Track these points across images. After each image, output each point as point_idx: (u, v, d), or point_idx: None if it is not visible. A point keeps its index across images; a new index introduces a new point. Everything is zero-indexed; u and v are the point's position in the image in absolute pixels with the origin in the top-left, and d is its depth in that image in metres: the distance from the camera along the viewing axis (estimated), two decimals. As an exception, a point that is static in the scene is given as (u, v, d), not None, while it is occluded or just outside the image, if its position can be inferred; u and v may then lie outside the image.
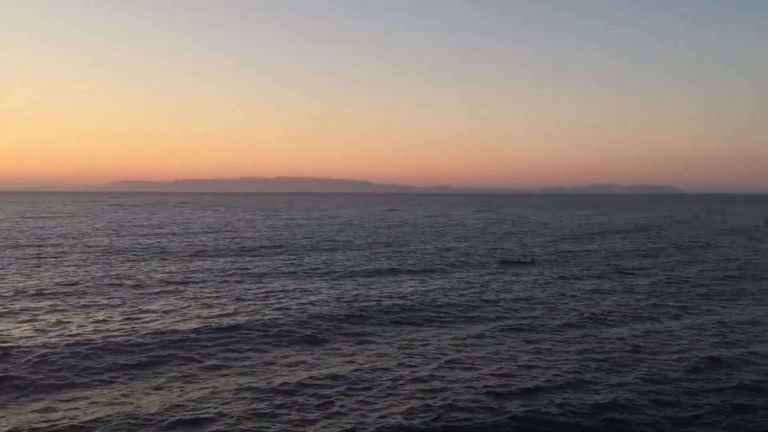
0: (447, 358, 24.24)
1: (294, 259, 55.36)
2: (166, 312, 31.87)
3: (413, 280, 44.26)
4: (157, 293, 37.46)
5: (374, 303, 34.82)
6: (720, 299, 37.41)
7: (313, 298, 36.33)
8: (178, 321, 29.69)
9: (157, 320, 29.83)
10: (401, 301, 35.37)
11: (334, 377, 21.69)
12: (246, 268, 48.82)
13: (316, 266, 50.61)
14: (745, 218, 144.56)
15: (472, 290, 39.82)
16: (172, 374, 21.99)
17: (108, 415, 18.02)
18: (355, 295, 37.15)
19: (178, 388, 20.52)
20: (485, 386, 20.83)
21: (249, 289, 38.98)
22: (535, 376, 21.96)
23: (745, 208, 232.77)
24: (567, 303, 35.85)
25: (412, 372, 22.31)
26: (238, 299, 35.63)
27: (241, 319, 30.20)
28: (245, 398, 19.53)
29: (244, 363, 23.44)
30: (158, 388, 20.47)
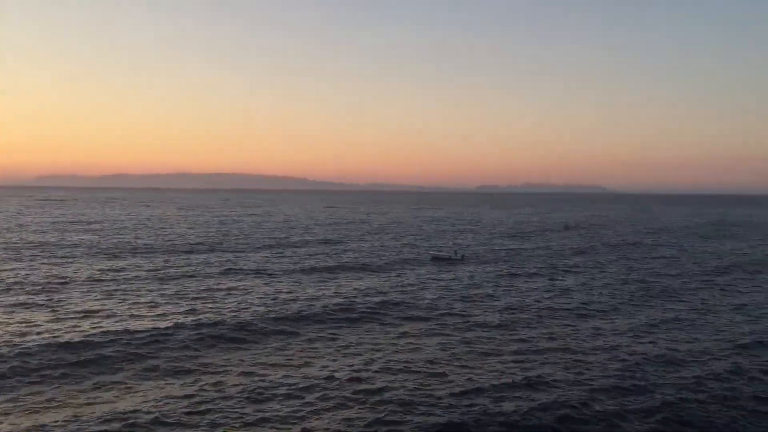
0: (384, 358, 24.11)
1: (229, 257, 54.30)
2: (95, 312, 30.70)
3: (350, 278, 44.13)
4: (85, 292, 36.02)
5: (311, 302, 34.41)
6: (649, 297, 38.39)
7: (249, 297, 35.70)
8: (109, 322, 28.61)
9: (85, 321, 28.70)
10: (338, 300, 35.08)
11: (269, 379, 21.31)
12: (179, 266, 47.61)
13: (253, 264, 49.79)
14: (672, 217, 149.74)
15: (406, 288, 39.94)
16: (100, 379, 21.11)
17: (26, 425, 17.23)
18: (292, 294, 36.65)
19: (108, 393, 19.74)
20: (422, 386, 20.87)
21: (182, 288, 37.98)
22: (471, 377, 22.11)
23: (673, 207, 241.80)
24: (499, 300, 36.28)
25: (350, 372, 22.12)
26: (170, 298, 34.70)
27: (174, 319, 29.36)
28: (177, 402, 18.96)
29: (177, 364, 22.77)
30: (86, 393, 19.66)
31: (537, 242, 76.17)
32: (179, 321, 28.98)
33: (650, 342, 27.29)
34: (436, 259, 56.51)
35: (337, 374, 21.95)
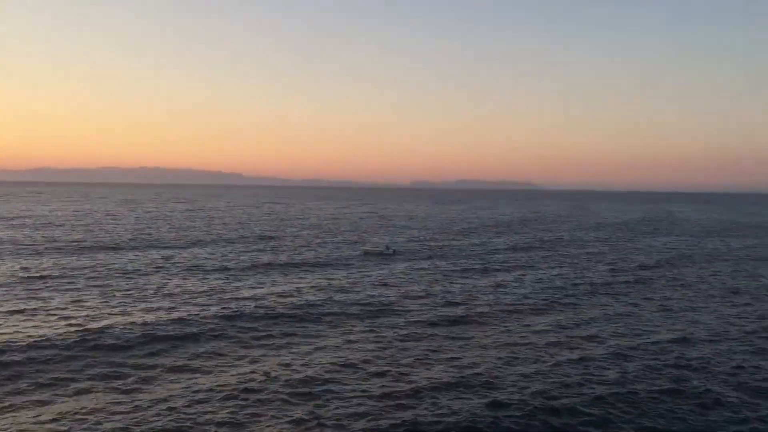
0: (321, 357, 23.85)
1: (161, 254, 52.89)
2: (18, 313, 29.34)
3: (285, 274, 43.55)
4: (7, 293, 34.36)
5: (245, 300, 33.81)
6: (586, 295, 38.76)
7: (181, 296, 34.78)
8: (34, 325, 27.37)
9: (7, 324, 27.41)
10: (273, 298, 34.50)
11: (203, 381, 20.80)
12: (108, 264, 46.01)
13: (185, 261, 48.67)
14: (610, 215, 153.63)
15: (342, 285, 39.69)
16: (23, 387, 20.09)
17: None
18: (227, 293, 35.92)
19: (32, 402, 18.83)
20: (361, 386, 20.73)
21: (111, 287, 36.71)
22: (410, 375, 22.11)
23: (609, 204, 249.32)
24: (434, 297, 36.24)
25: (290, 376, 21.70)
26: (98, 298, 33.49)
27: (102, 321, 28.30)
28: (103, 410, 18.30)
29: (103, 370, 21.89)
30: (8, 405, 18.71)
31: (471, 239, 76.90)
32: (108, 323, 27.92)
33: (585, 339, 27.79)
34: (368, 254, 56.91)
35: (274, 374, 21.55)
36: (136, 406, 18.51)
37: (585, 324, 30.53)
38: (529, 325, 30.02)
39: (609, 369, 23.12)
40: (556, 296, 37.73)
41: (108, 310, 30.55)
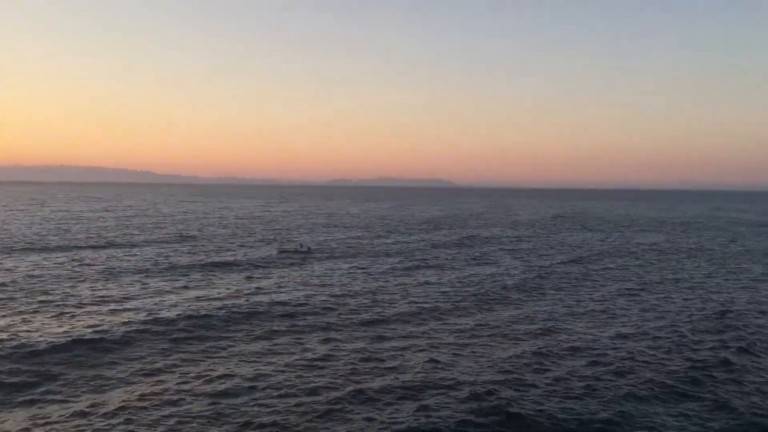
0: (243, 368, 23.12)
1: (70, 257, 50.22)
2: None
3: (202, 276, 42.01)
4: None
5: (160, 306, 32.27)
6: (508, 292, 38.88)
7: (96, 305, 32.94)
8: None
9: None
10: (190, 304, 32.98)
11: (117, 397, 19.82)
12: (10, 269, 43.32)
13: (97, 264, 46.37)
14: (527, 212, 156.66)
15: (261, 286, 38.94)
16: None
17: None
18: (141, 299, 34.29)
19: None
20: (289, 398, 20.22)
21: (14, 294, 34.44)
22: (333, 377, 21.80)
23: (526, 201, 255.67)
24: (356, 298, 35.73)
25: (209, 386, 20.98)
26: None
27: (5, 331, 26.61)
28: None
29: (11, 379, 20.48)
30: None
31: (391, 236, 76.90)
32: (12, 333, 26.26)
33: (504, 337, 28.11)
34: (283, 252, 56.67)
35: (191, 385, 20.72)
36: (42, 418, 17.54)
37: (508, 323, 30.71)
38: (451, 325, 29.98)
39: (530, 368, 23.34)
40: (478, 294, 37.61)
41: (9, 320, 28.67)
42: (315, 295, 36.33)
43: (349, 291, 37.95)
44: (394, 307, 33.68)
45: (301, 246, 58.49)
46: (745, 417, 18.78)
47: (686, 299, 37.50)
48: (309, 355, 24.39)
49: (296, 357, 24.08)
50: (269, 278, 42.27)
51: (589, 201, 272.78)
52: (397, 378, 21.69)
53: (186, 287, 38.24)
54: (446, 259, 55.37)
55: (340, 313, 31.78)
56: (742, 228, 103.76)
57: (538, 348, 25.72)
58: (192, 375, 21.70)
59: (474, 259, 55.91)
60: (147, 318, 29.30)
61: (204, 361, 23.46)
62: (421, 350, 25.37)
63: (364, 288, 39.15)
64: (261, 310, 31.90)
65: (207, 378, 21.35)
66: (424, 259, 54.34)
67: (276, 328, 28.38)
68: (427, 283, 41.74)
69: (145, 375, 21.69)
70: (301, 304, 33.42)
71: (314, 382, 21.14)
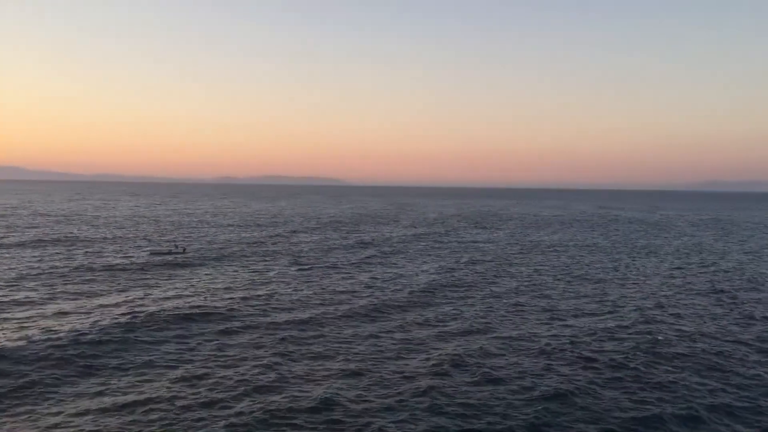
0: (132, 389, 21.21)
1: None
2: None
3: (74, 286, 38.49)
4: None
5: (30, 321, 29.38)
6: (415, 294, 38.09)
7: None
8: None
9: None
10: (60, 320, 30.29)
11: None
12: None
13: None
14: (429, 211, 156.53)
15: (131, 290, 36.77)
16: None
17: None
18: (7, 311, 31.27)
19: None
20: (194, 405, 18.80)
21: None
22: (222, 383, 20.49)
23: (424, 200, 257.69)
24: (241, 304, 33.96)
25: (91, 416, 19.12)
26: None
27: None
28: None
29: None
30: None
31: (280, 236, 74.43)
32: None
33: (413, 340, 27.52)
34: (155, 254, 53.13)
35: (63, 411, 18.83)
36: None
37: (418, 324, 30.18)
38: (347, 329, 29.09)
39: (443, 368, 22.94)
40: (381, 297, 36.73)
41: None
42: (185, 301, 34.07)
43: (233, 297, 35.87)
44: (290, 312, 32.31)
45: (177, 247, 55.74)
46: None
47: (591, 289, 38.73)
48: (195, 365, 22.81)
49: (185, 366, 22.43)
50: (148, 283, 39.75)
51: (485, 199, 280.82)
52: (297, 395, 20.62)
53: (56, 298, 35.20)
54: (343, 260, 53.60)
55: (226, 318, 30.16)
56: (620, 223, 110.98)
57: (453, 350, 25.37)
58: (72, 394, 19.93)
59: (372, 258, 54.78)
60: (12, 336, 26.56)
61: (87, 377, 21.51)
62: (330, 357, 24.32)
63: (252, 293, 37.19)
64: (131, 320, 29.49)
65: (88, 406, 19.57)
66: (319, 260, 52.78)
67: (155, 339, 26.45)
68: (322, 286, 40.12)
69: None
70: (187, 310, 31.39)
71: (192, 383, 19.70)
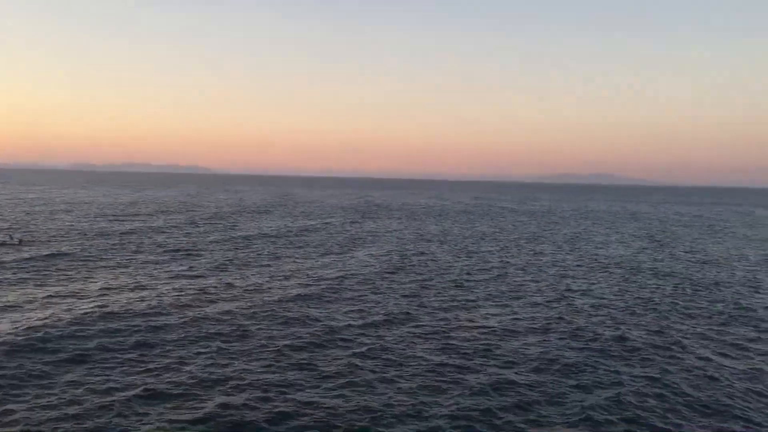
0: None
1: None
2: None
3: None
4: None
5: None
6: (322, 291, 34.13)
7: None
8: None
9: None
10: None
11: None
12: None
13: None
14: (313, 201, 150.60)
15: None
16: None
17: None
18: None
19: None
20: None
21: None
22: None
23: (307, 191, 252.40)
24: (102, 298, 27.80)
25: None
26: None
27: None
28: None
29: None
30: None
31: (145, 228, 66.63)
32: None
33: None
34: None
35: None
36: None
37: (317, 321, 26.24)
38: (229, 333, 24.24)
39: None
40: (270, 300, 31.69)
41: None
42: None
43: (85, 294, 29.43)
44: (160, 309, 27.55)
45: (11, 237, 48.47)
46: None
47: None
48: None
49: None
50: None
51: (367, 190, 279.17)
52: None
53: None
54: (226, 254, 48.16)
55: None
56: (503, 212, 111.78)
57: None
58: None
59: (264, 256, 49.10)
60: None
61: None
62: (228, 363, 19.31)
63: (102, 291, 31.11)
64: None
65: None
66: (190, 253, 47.40)
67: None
68: (206, 286, 34.54)
69: None
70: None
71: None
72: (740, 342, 25.95)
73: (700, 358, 23.28)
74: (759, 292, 37.58)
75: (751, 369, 22.30)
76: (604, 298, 34.52)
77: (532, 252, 55.28)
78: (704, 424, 17.42)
